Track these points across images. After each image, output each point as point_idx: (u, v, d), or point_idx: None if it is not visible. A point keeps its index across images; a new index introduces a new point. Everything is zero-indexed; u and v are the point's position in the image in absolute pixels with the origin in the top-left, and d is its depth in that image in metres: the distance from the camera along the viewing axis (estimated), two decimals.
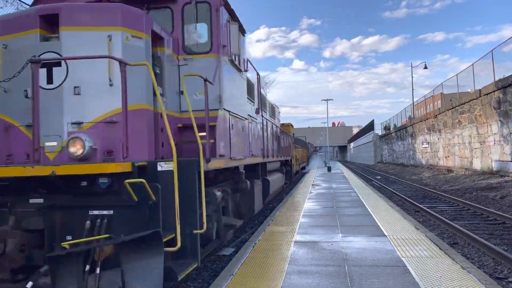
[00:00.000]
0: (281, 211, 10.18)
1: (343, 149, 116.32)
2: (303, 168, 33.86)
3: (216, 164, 5.44)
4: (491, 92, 18.60)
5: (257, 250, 6.06)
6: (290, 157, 18.63)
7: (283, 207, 10.86)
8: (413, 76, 44.01)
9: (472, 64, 23.40)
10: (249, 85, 8.58)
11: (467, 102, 22.14)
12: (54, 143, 4.34)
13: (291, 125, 22.65)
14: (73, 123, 4.36)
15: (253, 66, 9.24)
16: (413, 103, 42.25)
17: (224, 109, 6.03)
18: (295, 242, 6.56)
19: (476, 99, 20.71)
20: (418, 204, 12.88)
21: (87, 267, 3.82)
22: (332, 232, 7.37)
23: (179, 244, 4.09)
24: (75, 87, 4.38)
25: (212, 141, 5.51)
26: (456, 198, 13.74)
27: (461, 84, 26.12)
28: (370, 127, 64.75)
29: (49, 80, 4.36)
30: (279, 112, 16.94)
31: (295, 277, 4.69)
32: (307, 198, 12.97)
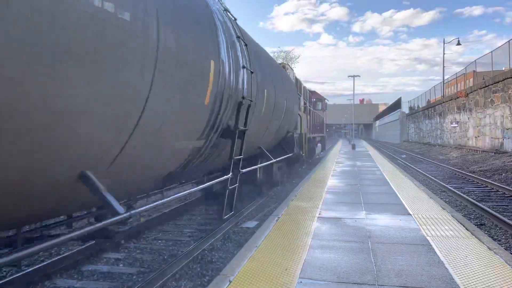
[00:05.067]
0: (305, 186, 10.21)
1: (368, 127, 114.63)
2: None
3: None
4: None
5: (281, 223, 6.14)
6: None
7: (306, 183, 10.89)
8: (445, 53, 42.48)
9: (508, 41, 22.36)
10: None
11: (501, 80, 21.29)
12: None
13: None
14: None
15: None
16: (443, 81, 40.93)
17: None
18: (318, 217, 6.60)
19: (511, 77, 19.88)
20: (444, 184, 12.67)
21: None
22: (355, 209, 7.36)
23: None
24: None
25: None
26: (485, 179, 13.43)
27: (496, 62, 25.08)
28: (397, 105, 63.24)
29: None
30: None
31: (318, 251, 4.74)
32: (331, 175, 12.95)
